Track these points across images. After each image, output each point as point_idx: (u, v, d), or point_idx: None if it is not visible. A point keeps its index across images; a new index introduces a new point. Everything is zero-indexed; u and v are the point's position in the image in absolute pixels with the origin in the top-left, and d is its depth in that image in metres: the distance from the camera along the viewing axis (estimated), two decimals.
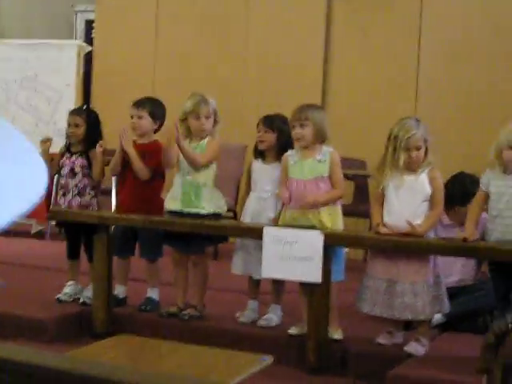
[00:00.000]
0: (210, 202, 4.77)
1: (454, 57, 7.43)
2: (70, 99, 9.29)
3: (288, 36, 8.26)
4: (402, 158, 4.21)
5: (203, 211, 4.74)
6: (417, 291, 4.17)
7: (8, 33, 10.65)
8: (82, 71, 9.64)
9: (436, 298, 4.22)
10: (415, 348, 4.22)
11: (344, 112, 7.40)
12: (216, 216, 4.79)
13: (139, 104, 5.14)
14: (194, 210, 4.75)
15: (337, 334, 4.43)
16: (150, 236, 5.04)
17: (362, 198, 7.06)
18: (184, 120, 4.82)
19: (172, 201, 4.83)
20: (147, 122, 5.09)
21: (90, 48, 9.82)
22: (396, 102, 7.31)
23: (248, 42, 8.53)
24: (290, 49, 8.23)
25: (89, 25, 10.61)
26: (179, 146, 4.64)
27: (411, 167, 4.25)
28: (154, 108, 5.14)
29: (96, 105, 9.26)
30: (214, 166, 4.84)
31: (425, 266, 4.20)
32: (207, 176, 4.80)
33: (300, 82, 8.13)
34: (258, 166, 4.82)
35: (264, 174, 4.75)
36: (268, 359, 2.98)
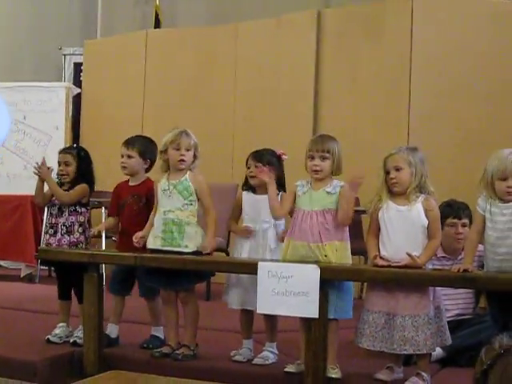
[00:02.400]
0: (194, 241, 4.68)
1: (445, 91, 7.42)
2: (59, 141, 9.24)
3: (277, 73, 8.25)
4: (381, 178, 4.21)
5: (186, 250, 4.65)
6: (417, 324, 4.05)
7: None
8: (70, 113, 9.60)
9: (437, 330, 4.11)
10: (416, 383, 4.11)
11: None
12: (200, 254, 4.68)
13: (129, 143, 5.10)
14: (176, 249, 4.65)
15: (334, 373, 4.29)
16: (144, 273, 4.94)
17: (355, 234, 6.96)
18: (164, 152, 4.77)
19: (153, 239, 4.73)
20: (137, 161, 5.04)
21: (78, 90, 9.80)
22: (388, 138, 7.26)
23: (237, 80, 8.52)
24: (280, 86, 8.22)
25: (77, 67, 10.58)
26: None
27: (394, 190, 4.19)
28: (145, 147, 5.09)
29: (85, 146, 9.20)
30: (196, 203, 4.75)
31: (425, 299, 4.09)
32: (190, 213, 4.72)
33: (290, 119, 8.10)
34: (251, 198, 4.73)
35: (260, 205, 4.65)
36: None
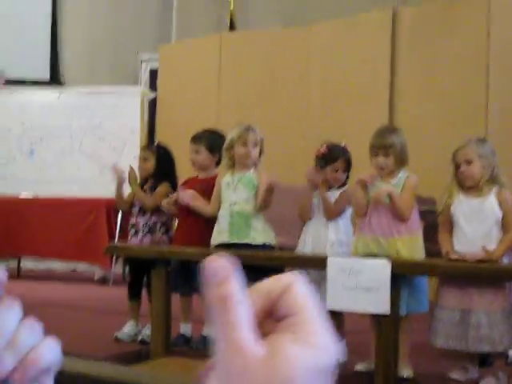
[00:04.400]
0: (261, 233, 4.57)
1: None
2: (135, 146, 9.24)
3: (351, 74, 8.11)
4: (452, 173, 4.04)
5: (255, 242, 4.54)
6: (493, 321, 3.88)
7: (73, 81, 10.73)
8: (146, 117, 9.63)
9: None
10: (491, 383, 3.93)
11: (411, 146, 7.15)
12: (268, 248, 4.58)
13: (196, 138, 5.06)
14: (244, 241, 4.54)
15: (406, 372, 4.14)
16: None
17: (433, 236, 6.78)
18: (229, 149, 4.69)
19: (219, 234, 4.64)
20: (204, 156, 4.97)
21: (153, 94, 9.82)
22: (465, 135, 7.04)
23: (310, 82, 8.41)
24: (354, 86, 8.08)
25: (154, 74, 10.61)
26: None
27: (465, 183, 4.02)
28: (211, 141, 5.02)
29: None
30: None
31: (501, 294, 3.92)
32: (256, 206, 4.61)
33: (365, 121, 7.95)
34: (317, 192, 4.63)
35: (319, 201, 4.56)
36: None
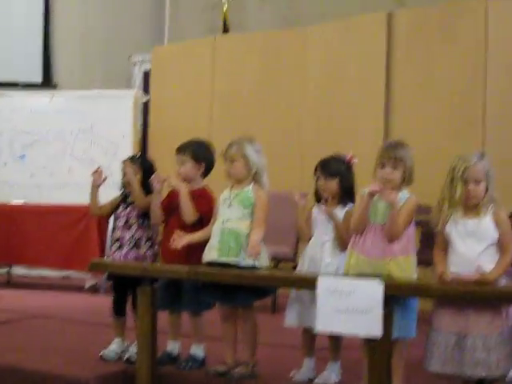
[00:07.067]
0: None
1: None
2: (127, 150, 9.07)
3: (347, 78, 7.99)
4: (459, 190, 3.83)
5: (243, 262, 4.36)
6: (490, 345, 3.71)
7: (65, 84, 10.58)
8: (138, 121, 9.47)
9: None
10: None
11: None
12: (257, 269, 4.40)
13: (181, 149, 4.87)
14: (232, 260, 4.37)
15: None
16: (192, 286, 4.67)
17: (430, 245, 6.63)
18: None
19: (209, 251, 4.47)
20: (190, 167, 4.80)
21: (146, 97, 9.66)
22: (462, 144, 6.88)
23: (305, 85, 8.27)
24: (349, 90, 7.95)
25: (147, 76, 10.44)
26: None
27: (468, 202, 3.85)
28: (197, 150, 4.83)
29: (152, 155, 9.05)
30: None
31: (498, 317, 3.75)
32: (250, 224, 4.43)
33: (360, 125, 7.81)
34: (318, 210, 4.47)
35: (324, 217, 4.39)
36: None
